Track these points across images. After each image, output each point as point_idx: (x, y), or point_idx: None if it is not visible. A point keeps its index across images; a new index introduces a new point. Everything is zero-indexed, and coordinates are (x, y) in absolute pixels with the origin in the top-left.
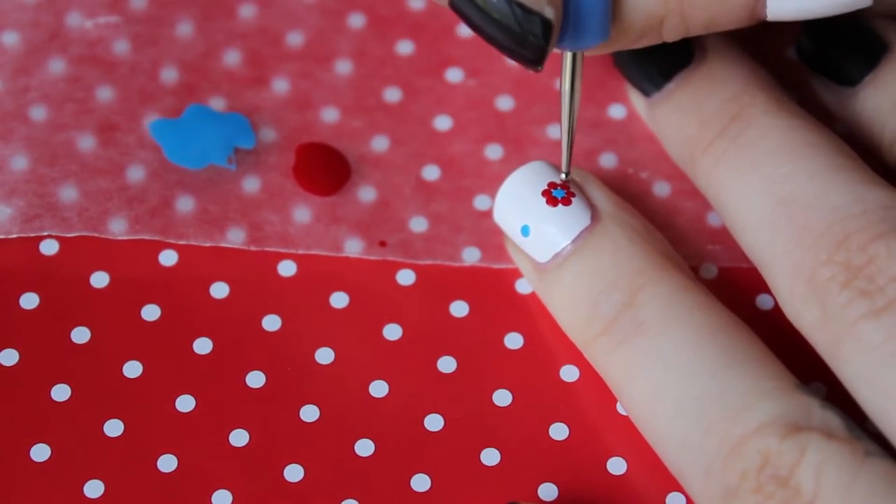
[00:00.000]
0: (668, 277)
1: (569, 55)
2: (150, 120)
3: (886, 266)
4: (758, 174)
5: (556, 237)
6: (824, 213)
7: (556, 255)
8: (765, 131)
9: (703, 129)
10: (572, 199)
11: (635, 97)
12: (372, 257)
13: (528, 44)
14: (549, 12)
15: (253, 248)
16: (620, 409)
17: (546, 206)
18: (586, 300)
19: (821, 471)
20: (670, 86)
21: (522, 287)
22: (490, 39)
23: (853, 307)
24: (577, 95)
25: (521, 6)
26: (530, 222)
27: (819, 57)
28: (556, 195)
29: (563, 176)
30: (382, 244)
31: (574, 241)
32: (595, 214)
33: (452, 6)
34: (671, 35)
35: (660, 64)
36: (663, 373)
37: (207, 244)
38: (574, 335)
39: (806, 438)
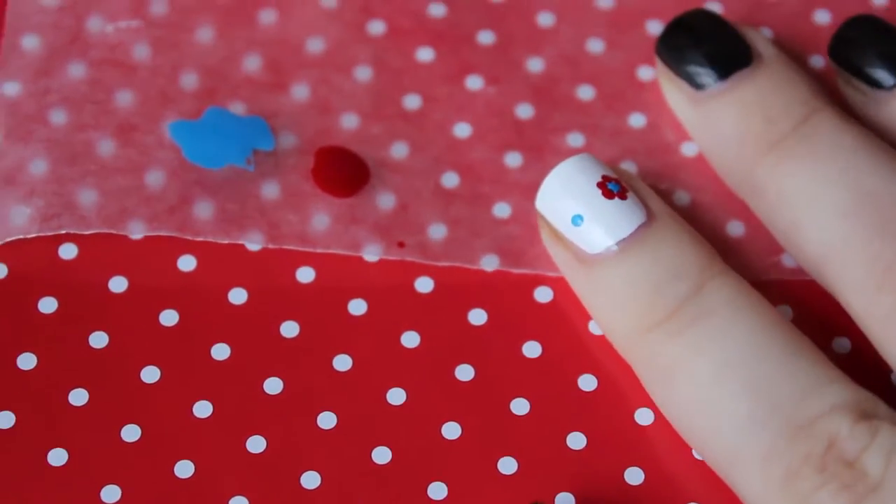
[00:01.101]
0: (731, 273)
1: None
2: (169, 122)
3: None
4: (836, 167)
5: (612, 230)
6: None
7: (608, 248)
8: (839, 133)
9: (769, 125)
10: (627, 194)
11: (676, 92)
12: (390, 257)
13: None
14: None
15: (271, 246)
16: (638, 418)
17: (602, 197)
18: (649, 288)
19: (891, 457)
20: (725, 84)
21: (541, 295)
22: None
23: None
24: None
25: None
26: (585, 212)
27: (853, 62)
28: (612, 188)
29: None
30: (401, 245)
31: (630, 235)
32: (651, 213)
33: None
34: None
35: (720, 60)
36: (733, 349)
37: (225, 241)
38: (625, 323)
39: (877, 425)
